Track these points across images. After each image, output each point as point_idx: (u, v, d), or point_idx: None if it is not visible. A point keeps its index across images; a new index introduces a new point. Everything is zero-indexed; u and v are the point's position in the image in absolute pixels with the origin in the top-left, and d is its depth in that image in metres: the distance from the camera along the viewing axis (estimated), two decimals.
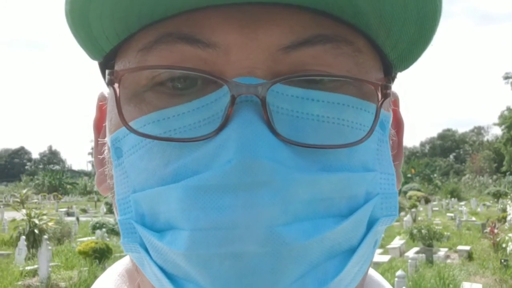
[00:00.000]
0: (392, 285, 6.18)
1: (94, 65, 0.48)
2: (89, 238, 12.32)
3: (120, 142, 0.41)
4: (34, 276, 8.14)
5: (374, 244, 0.42)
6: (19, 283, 7.82)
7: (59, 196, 42.62)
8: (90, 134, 0.51)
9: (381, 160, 0.41)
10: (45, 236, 9.65)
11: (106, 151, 0.46)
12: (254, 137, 0.34)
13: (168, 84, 0.39)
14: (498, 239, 11.20)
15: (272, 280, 0.35)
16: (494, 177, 57.53)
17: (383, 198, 0.41)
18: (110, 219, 14.13)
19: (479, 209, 25.89)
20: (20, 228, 10.96)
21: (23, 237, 10.20)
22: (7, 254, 10.66)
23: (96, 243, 9.17)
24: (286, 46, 0.37)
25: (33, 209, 11.63)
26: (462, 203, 33.16)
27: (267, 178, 0.34)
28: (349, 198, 0.38)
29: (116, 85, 0.39)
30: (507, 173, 50.72)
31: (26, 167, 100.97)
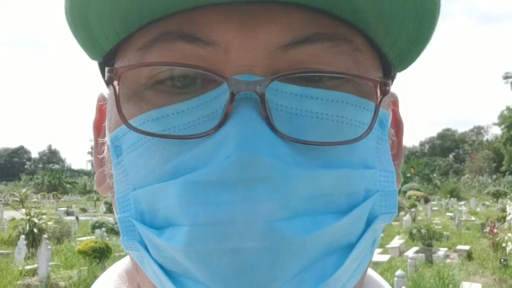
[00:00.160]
0: (392, 284, 6.18)
1: (94, 65, 0.48)
2: (89, 237, 12.32)
3: (120, 141, 0.41)
4: (33, 276, 8.14)
5: (373, 242, 0.42)
6: (19, 282, 7.83)
7: (59, 195, 42.66)
8: (90, 134, 0.52)
9: (380, 158, 0.41)
10: (45, 236, 9.66)
11: (105, 151, 0.46)
12: (253, 134, 0.34)
13: (168, 83, 0.39)
14: (497, 239, 11.21)
15: (271, 275, 0.35)
16: (494, 176, 57.58)
17: (383, 195, 0.41)
18: (109, 219, 14.13)
19: (478, 209, 25.89)
20: (20, 227, 10.96)
21: (23, 236, 10.20)
22: (6, 253, 10.66)
23: (96, 242, 9.18)
24: (285, 44, 0.38)
25: (33, 209, 11.62)
26: (462, 202, 33.16)
27: (266, 174, 0.34)
28: (349, 194, 0.38)
29: (115, 83, 0.39)
30: (507, 173, 50.81)
31: (26, 166, 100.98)
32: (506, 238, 10.66)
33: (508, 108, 56.94)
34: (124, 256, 0.49)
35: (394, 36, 0.40)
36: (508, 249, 10.22)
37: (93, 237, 12.24)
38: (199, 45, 0.38)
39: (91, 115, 0.52)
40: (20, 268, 8.56)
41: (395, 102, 0.50)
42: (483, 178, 55.11)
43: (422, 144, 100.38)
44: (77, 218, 17.91)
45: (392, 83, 0.45)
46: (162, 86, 0.39)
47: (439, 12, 0.39)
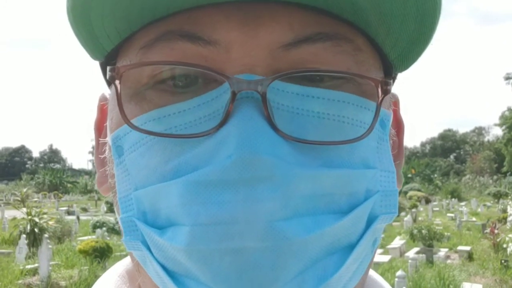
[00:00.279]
0: (392, 285, 6.18)
1: (95, 65, 0.48)
2: (90, 237, 12.33)
3: (121, 140, 0.41)
4: (34, 275, 8.14)
5: (374, 242, 0.42)
6: (20, 281, 7.83)
7: (60, 195, 42.64)
8: (91, 133, 0.52)
9: (381, 158, 0.41)
10: (46, 235, 9.66)
11: (107, 151, 0.46)
12: (255, 133, 0.34)
13: (169, 82, 0.39)
14: (498, 240, 11.19)
15: (273, 275, 0.35)
16: (495, 177, 57.47)
17: (383, 195, 0.41)
18: (110, 218, 14.14)
19: (479, 210, 25.87)
20: (21, 226, 10.96)
21: (24, 235, 10.20)
22: (7, 252, 10.66)
23: (97, 242, 9.17)
24: (286, 44, 0.38)
25: (34, 208, 11.62)
26: (463, 203, 33.12)
27: (268, 173, 0.34)
28: (349, 194, 0.38)
29: (117, 82, 0.39)
30: (508, 174, 50.70)
31: (27, 165, 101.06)
32: (507, 239, 10.65)
33: (509, 109, 56.89)
34: (125, 255, 0.49)
35: (395, 36, 0.40)
36: (509, 250, 10.20)
37: (94, 236, 12.24)
38: (201, 45, 0.38)
39: (92, 114, 0.52)
40: (21, 267, 8.56)
41: (395, 103, 0.50)
42: (484, 178, 55.01)
43: (423, 144, 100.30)
44: (78, 218, 17.90)
45: (393, 83, 0.45)
46: (163, 86, 0.39)
47: (440, 11, 0.39)
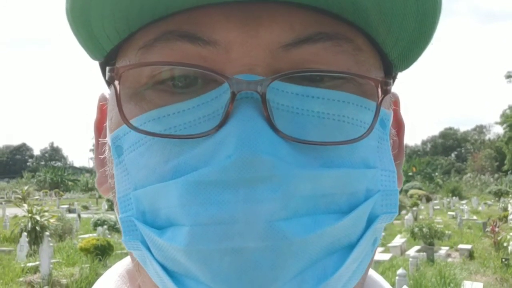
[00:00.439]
0: (393, 283, 6.19)
1: (95, 64, 0.48)
2: (91, 235, 12.32)
3: (121, 140, 0.41)
4: (35, 273, 8.16)
5: (374, 241, 0.42)
6: (21, 279, 7.84)
7: (61, 192, 42.72)
8: (91, 131, 0.52)
9: (381, 158, 0.41)
10: (47, 233, 9.67)
11: (106, 151, 0.46)
12: (254, 133, 0.34)
13: (169, 83, 0.39)
14: (499, 238, 11.19)
15: (272, 275, 0.35)
16: (496, 175, 57.48)
17: (384, 195, 0.41)
18: (111, 216, 14.14)
19: (480, 208, 25.85)
20: (22, 224, 10.98)
21: (25, 233, 10.22)
22: (8, 250, 10.68)
23: (98, 240, 9.19)
24: (287, 44, 0.38)
25: (35, 206, 11.62)
26: (464, 201, 33.11)
27: (267, 174, 0.34)
28: (350, 194, 0.38)
29: (116, 82, 0.39)
30: (509, 172, 50.68)
31: (28, 163, 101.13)
32: (508, 237, 10.66)
33: (510, 107, 56.79)
34: (126, 253, 0.49)
35: (395, 35, 0.40)
36: (509, 248, 10.21)
37: (95, 234, 12.24)
38: (200, 45, 0.38)
39: (93, 112, 0.52)
40: (22, 265, 8.58)
41: (396, 102, 0.49)
42: (485, 177, 55.00)
43: (424, 143, 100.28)
44: (79, 216, 17.93)
45: (393, 83, 0.45)
46: (163, 86, 0.39)
47: (440, 10, 0.39)
